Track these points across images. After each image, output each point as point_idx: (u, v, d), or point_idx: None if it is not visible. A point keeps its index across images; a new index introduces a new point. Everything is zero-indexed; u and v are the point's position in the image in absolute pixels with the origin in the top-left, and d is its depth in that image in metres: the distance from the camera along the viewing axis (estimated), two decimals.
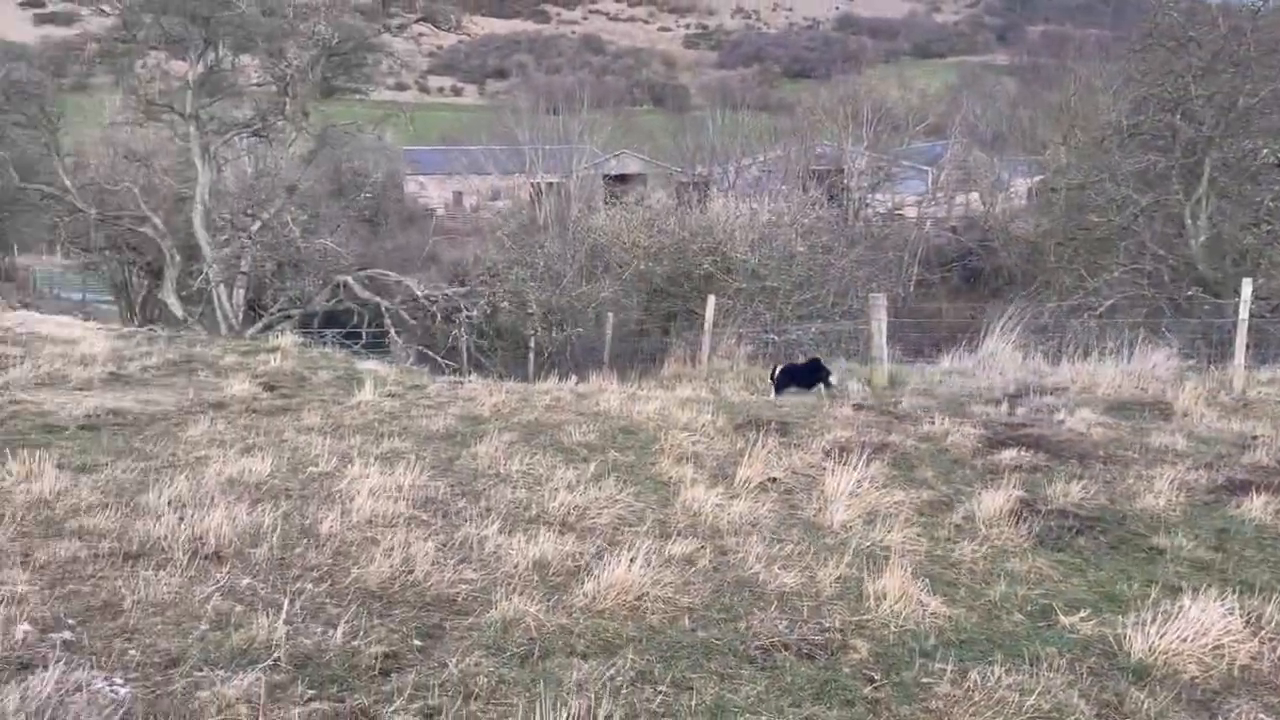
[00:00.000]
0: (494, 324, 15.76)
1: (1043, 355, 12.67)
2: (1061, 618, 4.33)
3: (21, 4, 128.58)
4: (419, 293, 16.21)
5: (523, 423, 8.13)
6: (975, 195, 40.62)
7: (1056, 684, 3.67)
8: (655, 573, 4.49)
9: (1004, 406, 9.06)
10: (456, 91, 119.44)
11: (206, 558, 4.61)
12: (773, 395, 10.51)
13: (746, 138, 52.22)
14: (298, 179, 18.21)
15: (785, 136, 41.12)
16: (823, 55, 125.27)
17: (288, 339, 13.44)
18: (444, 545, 4.92)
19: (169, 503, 5.40)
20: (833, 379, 10.43)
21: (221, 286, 17.72)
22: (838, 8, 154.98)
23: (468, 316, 15.52)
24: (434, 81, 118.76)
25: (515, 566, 4.65)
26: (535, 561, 4.70)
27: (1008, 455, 7.15)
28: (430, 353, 15.59)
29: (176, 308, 17.92)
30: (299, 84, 17.28)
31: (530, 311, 15.42)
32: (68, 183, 18.19)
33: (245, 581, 4.33)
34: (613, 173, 54.30)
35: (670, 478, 6.48)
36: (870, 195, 36.20)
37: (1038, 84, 52.41)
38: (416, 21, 17.95)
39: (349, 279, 16.73)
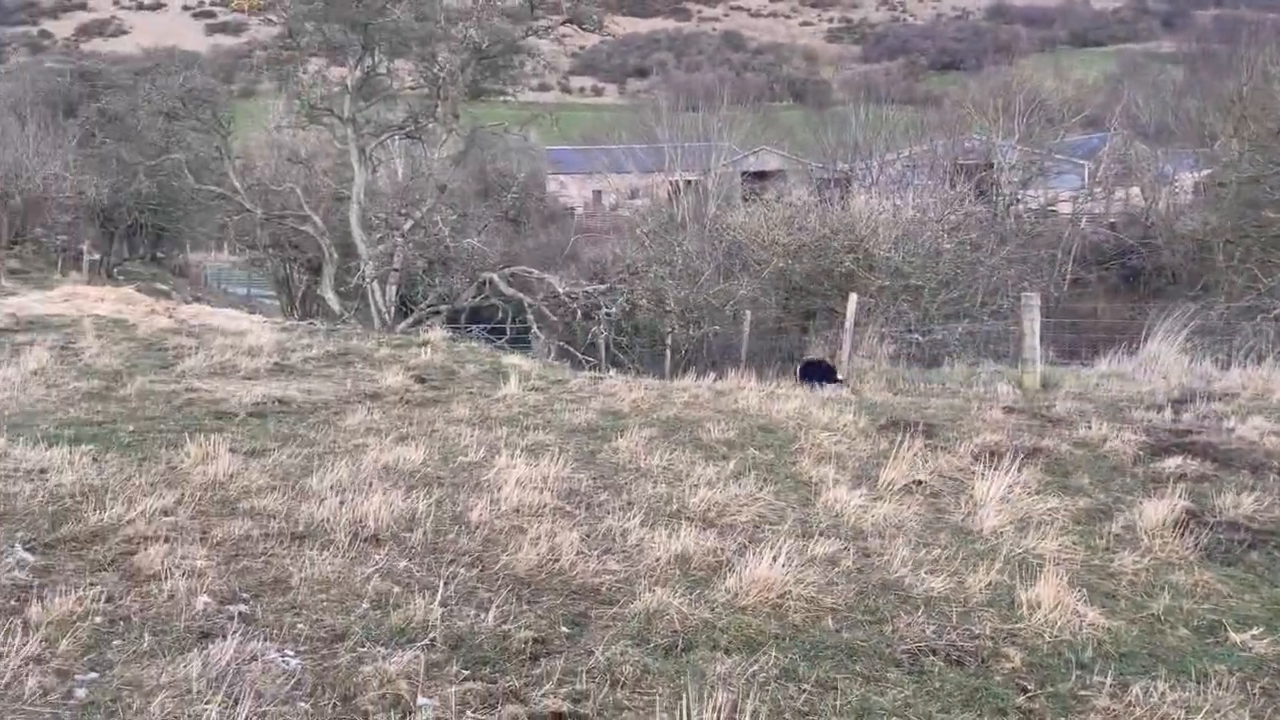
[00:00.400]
0: (632, 321, 15.93)
1: (1210, 359, 11.95)
2: (1232, 635, 4.09)
3: (195, 15, 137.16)
4: (560, 290, 16.54)
5: (662, 419, 8.20)
6: (1136, 190, 38.56)
7: (1227, 703, 3.48)
8: (797, 572, 4.46)
9: (1167, 412, 8.59)
10: (597, 91, 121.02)
11: (366, 540, 4.84)
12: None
13: (891, 132, 51.14)
14: (448, 179, 18.84)
15: (932, 130, 39.99)
16: (972, 46, 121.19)
17: (437, 334, 13.92)
18: (588, 536, 5.02)
19: (331, 487, 5.69)
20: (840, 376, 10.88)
21: (375, 283, 18.49)
22: None
23: (607, 314, 15.76)
24: (575, 82, 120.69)
25: (657, 560, 4.70)
26: (677, 556, 4.74)
27: (1172, 463, 6.79)
28: (570, 348, 15.90)
29: (334, 303, 18.81)
30: (450, 87, 17.87)
31: (668, 309, 15.52)
32: (237, 184, 19.34)
33: (402, 564, 4.52)
34: (751, 170, 53.97)
35: (811, 477, 6.42)
36: (1022, 190, 34.83)
37: (1207, 72, 49.27)
38: (562, 24, 18.26)
39: (494, 276, 17.21)
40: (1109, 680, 3.61)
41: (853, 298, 13.89)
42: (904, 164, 36.07)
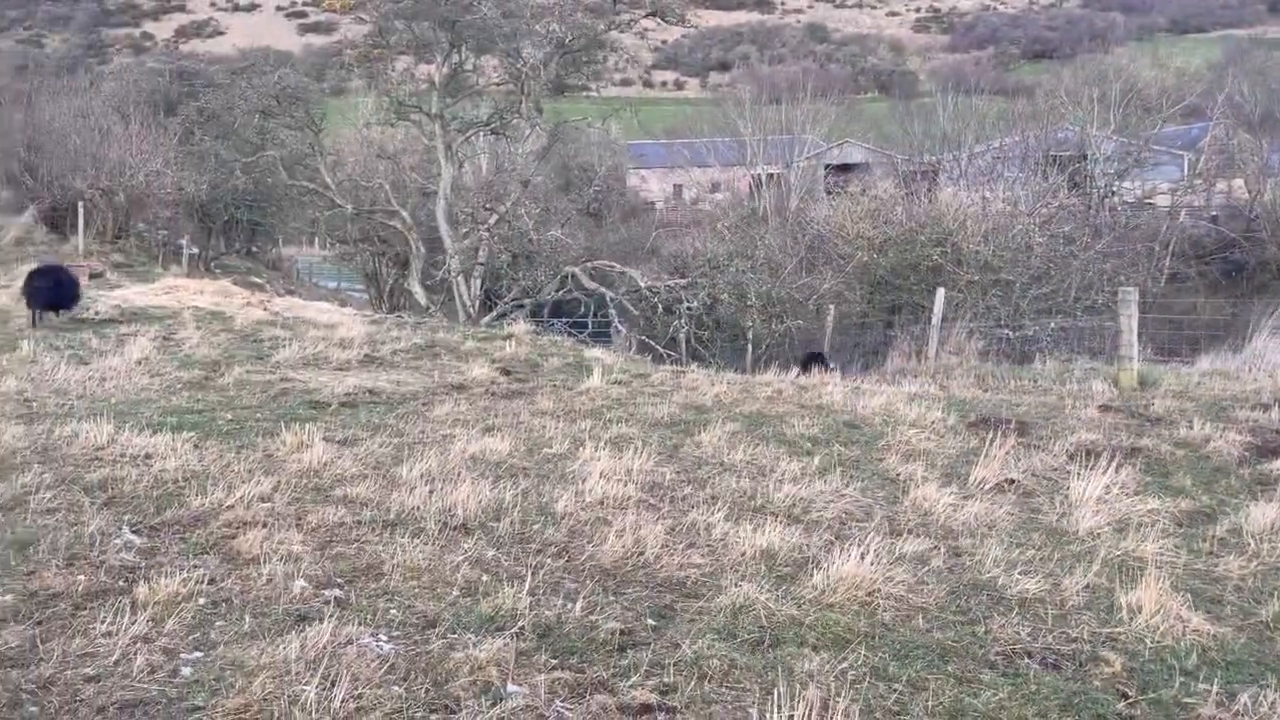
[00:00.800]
0: (714, 315, 15.86)
1: None
2: None
3: (288, 15, 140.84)
4: (642, 284, 16.57)
5: (745, 414, 8.15)
6: (1239, 182, 36.97)
7: None
8: (886, 570, 4.40)
9: (1274, 412, 8.22)
10: (679, 85, 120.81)
11: (455, 529, 4.91)
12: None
13: (980, 123, 49.95)
14: (531, 174, 19.01)
15: (1023, 121, 38.90)
16: (1066, 35, 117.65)
17: (520, 327, 14.07)
18: (673, 529, 5.02)
19: (420, 476, 5.79)
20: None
21: (460, 277, 18.76)
22: None
23: (688, 308, 15.73)
24: (658, 76, 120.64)
25: (742, 554, 4.68)
26: (762, 551, 4.70)
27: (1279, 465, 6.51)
28: (651, 342, 15.92)
29: (420, 296, 19.15)
30: (533, 82, 18.04)
31: (749, 303, 15.42)
32: (328, 180, 19.83)
33: (490, 553, 4.58)
34: (835, 162, 53.31)
35: (898, 475, 6.31)
36: (1117, 182, 33.68)
37: None
38: (645, 16, 18.28)
39: (576, 270, 17.33)
40: (1215, 688, 3.48)
41: (940, 292, 13.63)
42: (993, 155, 35.17)
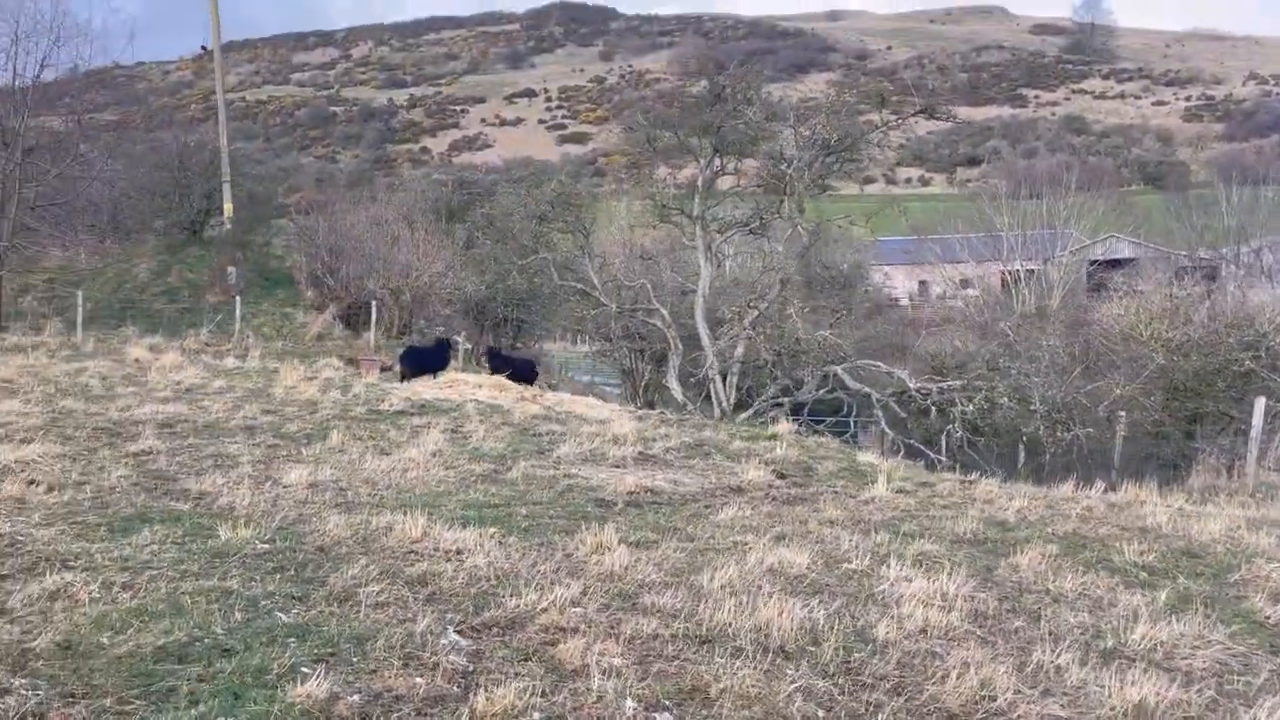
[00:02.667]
0: (989, 420, 14.93)
1: None
2: None
3: (549, 128, 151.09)
4: (911, 385, 15.93)
5: (1057, 533, 7.43)
6: None
7: None
8: None
9: None
10: (924, 181, 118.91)
11: (773, 651, 4.62)
12: None
13: (1271, 214, 45.65)
14: (790, 272, 18.96)
15: None
16: None
17: (784, 426, 13.79)
18: (1018, 670, 4.49)
19: (722, 587, 5.57)
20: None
21: (717, 374, 18.81)
22: None
23: (963, 411, 14.89)
24: (901, 173, 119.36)
25: (1112, 709, 4.09)
26: (1135, 706, 4.10)
27: None
28: (924, 447, 15.16)
29: (678, 392, 19.34)
30: (798, 182, 18.10)
31: (1034, 409, 14.39)
32: (595, 280, 20.62)
33: (820, 684, 4.25)
34: (1100, 258, 50.25)
35: (1269, 619, 5.45)
36: None
37: None
38: (914, 115, 18.05)
39: (839, 370, 16.93)
40: None
41: (1260, 402, 12.17)
42: None
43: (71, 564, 5.39)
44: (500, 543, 6.36)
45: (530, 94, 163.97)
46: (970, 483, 9.95)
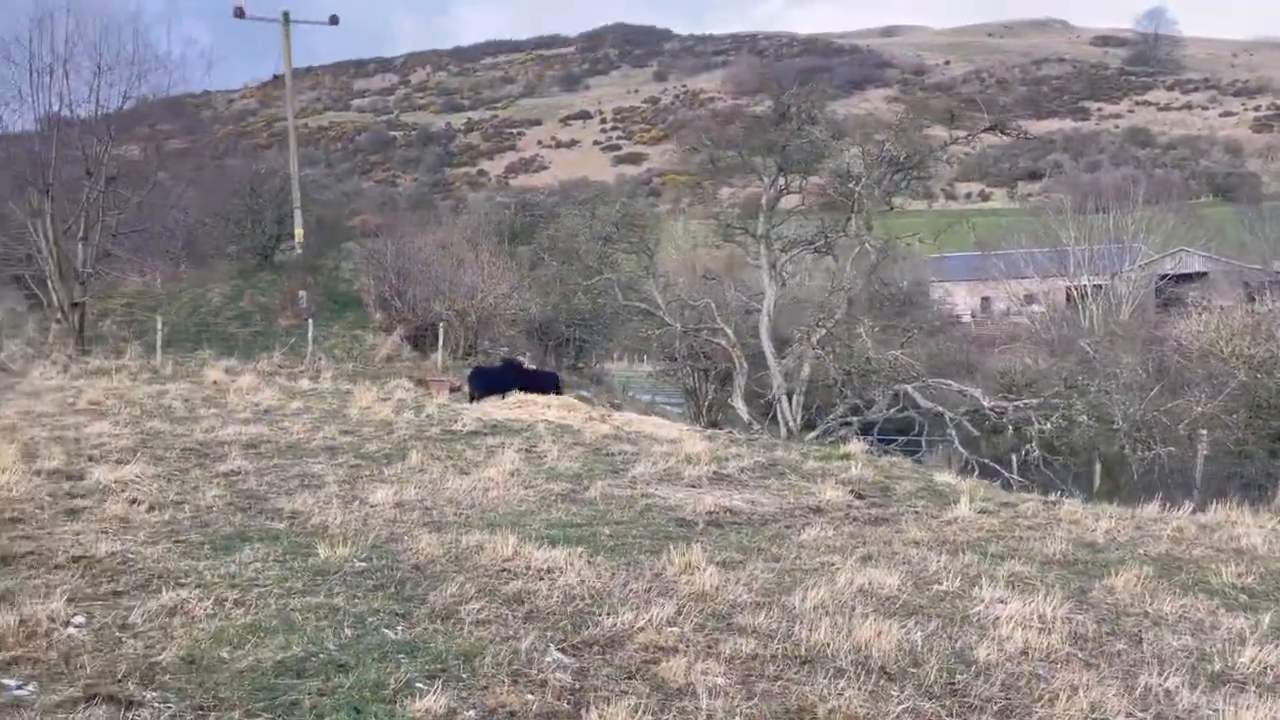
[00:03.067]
0: (1067, 438, 14.67)
1: None
2: None
3: (603, 149, 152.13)
4: (986, 404, 15.74)
5: (1149, 555, 7.31)
6: None
7: None
8: None
9: None
10: (984, 196, 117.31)
11: (874, 672, 4.62)
12: None
13: None
14: (857, 290, 18.90)
15: None
16: None
17: (856, 446, 13.71)
18: (1126, 693, 4.44)
19: (814, 608, 5.58)
20: None
21: (784, 393, 18.77)
22: None
23: (1040, 430, 14.68)
24: (961, 188, 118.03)
25: None
26: None
27: None
28: (999, 466, 14.95)
29: (743, 411, 19.33)
30: (864, 200, 18.05)
31: (1115, 427, 14.13)
32: (659, 299, 20.74)
33: (927, 705, 4.25)
34: (1170, 272, 49.14)
35: None
36: None
37: None
38: (983, 131, 17.92)
39: (909, 388, 16.80)
40: None
41: None
42: None
43: (183, 581, 5.58)
44: (589, 562, 6.44)
45: (585, 116, 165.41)
46: (1053, 503, 9.81)
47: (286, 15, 26.56)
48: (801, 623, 5.28)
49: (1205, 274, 50.69)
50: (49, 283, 21.13)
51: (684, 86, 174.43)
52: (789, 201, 21.24)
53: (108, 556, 5.97)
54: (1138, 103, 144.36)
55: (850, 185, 18.38)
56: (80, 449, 10.19)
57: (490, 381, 17.37)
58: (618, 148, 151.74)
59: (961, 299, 59.08)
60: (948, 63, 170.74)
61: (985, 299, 59.66)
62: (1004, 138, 19.60)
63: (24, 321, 24.81)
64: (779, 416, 18.86)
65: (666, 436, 14.26)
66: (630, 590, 5.82)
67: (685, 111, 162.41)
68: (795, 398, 19.03)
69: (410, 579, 5.88)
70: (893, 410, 17.54)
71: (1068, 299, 47.89)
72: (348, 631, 4.81)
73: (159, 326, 21.96)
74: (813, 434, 17.84)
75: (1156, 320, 34.13)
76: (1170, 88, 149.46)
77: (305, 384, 18.59)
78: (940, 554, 7.14)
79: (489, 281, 24.26)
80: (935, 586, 6.27)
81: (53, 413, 13.85)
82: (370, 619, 5.05)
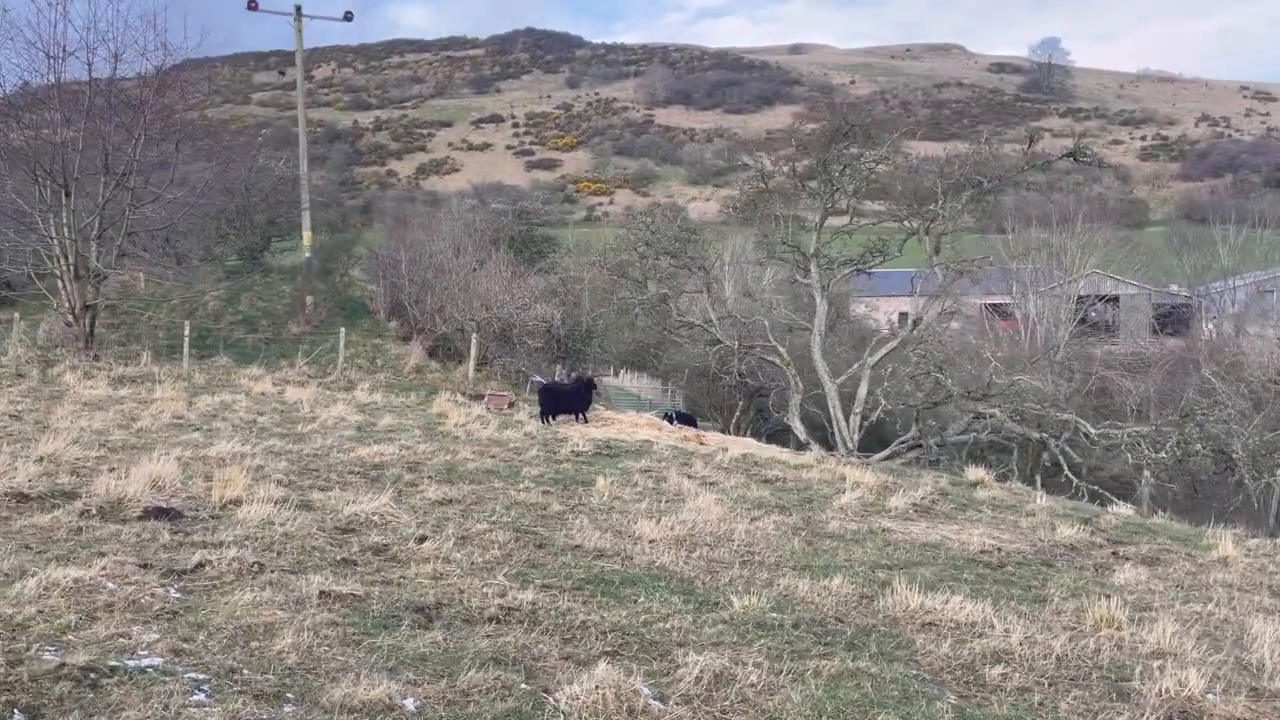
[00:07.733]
0: (1185, 466, 15.06)
1: None
2: None
3: (516, 153, 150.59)
4: (1093, 431, 16.05)
5: None
6: None
7: None
8: None
9: None
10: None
11: None
12: None
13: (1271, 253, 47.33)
14: (928, 311, 19.02)
15: None
16: None
17: (979, 472, 13.72)
18: None
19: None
20: None
21: (840, 412, 18.76)
22: None
23: (1159, 457, 15.01)
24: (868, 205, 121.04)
25: None
26: None
27: None
28: (1104, 492, 15.27)
29: (800, 431, 19.25)
30: (938, 223, 18.23)
31: (1235, 455, 14.58)
32: (713, 316, 20.50)
33: None
34: (1084, 294, 51.50)
35: None
36: None
37: None
38: (1061, 158, 18.28)
39: (996, 412, 17.00)
40: None
41: None
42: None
43: (667, 644, 5.10)
44: (996, 611, 6.19)
45: (498, 119, 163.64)
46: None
47: (299, 9, 25.26)
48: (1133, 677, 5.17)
49: (1117, 297, 53.33)
50: (60, 282, 19.49)
51: (596, 94, 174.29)
52: (838, 222, 21.29)
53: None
54: (1033, 128, 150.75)
55: (930, 207, 18.52)
56: (264, 474, 9.31)
57: (563, 400, 16.81)
58: (531, 152, 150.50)
59: (883, 314, 60.45)
60: (853, 82, 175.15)
61: (903, 314, 61.22)
62: (1081, 163, 19.99)
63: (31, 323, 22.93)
64: (837, 434, 18.84)
65: (786, 460, 14.03)
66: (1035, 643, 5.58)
67: (599, 119, 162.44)
68: (851, 417, 19.04)
69: (859, 632, 5.56)
70: (972, 433, 17.73)
71: (991, 316, 49.55)
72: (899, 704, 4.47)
73: (187, 332, 20.55)
74: (879, 455, 17.84)
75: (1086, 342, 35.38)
76: (1063, 114, 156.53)
77: (362, 396, 17.69)
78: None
79: (509, 294, 23.60)
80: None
81: (148, 428, 12.77)
82: (913, 686, 4.71)
